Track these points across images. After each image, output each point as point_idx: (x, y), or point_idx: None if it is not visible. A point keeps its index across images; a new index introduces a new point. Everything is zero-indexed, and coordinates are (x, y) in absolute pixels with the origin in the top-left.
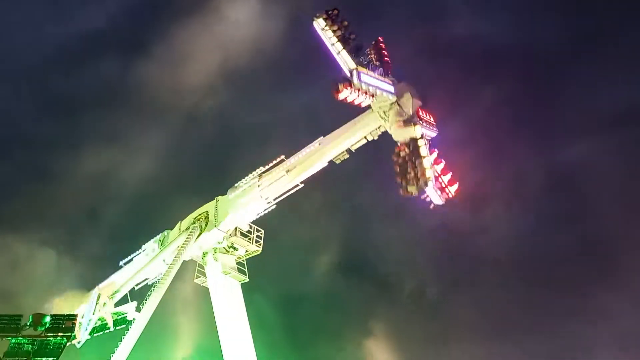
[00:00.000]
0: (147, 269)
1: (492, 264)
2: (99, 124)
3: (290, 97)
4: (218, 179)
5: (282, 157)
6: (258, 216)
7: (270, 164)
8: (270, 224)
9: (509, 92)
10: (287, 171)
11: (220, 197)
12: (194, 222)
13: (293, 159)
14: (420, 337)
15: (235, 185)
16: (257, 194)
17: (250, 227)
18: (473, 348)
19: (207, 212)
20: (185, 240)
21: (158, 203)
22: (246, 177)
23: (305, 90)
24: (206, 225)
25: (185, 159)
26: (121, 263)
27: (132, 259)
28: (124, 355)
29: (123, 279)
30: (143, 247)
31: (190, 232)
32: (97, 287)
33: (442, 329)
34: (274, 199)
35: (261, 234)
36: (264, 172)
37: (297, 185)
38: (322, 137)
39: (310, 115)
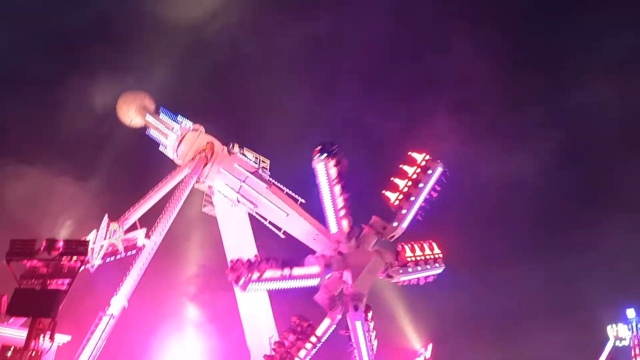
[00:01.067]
0: (156, 198)
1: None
2: (104, 56)
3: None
4: (220, 110)
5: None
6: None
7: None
8: None
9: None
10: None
11: (224, 149)
12: (200, 153)
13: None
14: None
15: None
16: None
17: (256, 157)
18: None
19: (214, 143)
20: (191, 171)
21: None
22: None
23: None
24: (212, 156)
25: (192, 86)
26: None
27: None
28: (135, 279)
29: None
30: None
31: (197, 162)
32: (106, 214)
33: None
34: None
35: (267, 164)
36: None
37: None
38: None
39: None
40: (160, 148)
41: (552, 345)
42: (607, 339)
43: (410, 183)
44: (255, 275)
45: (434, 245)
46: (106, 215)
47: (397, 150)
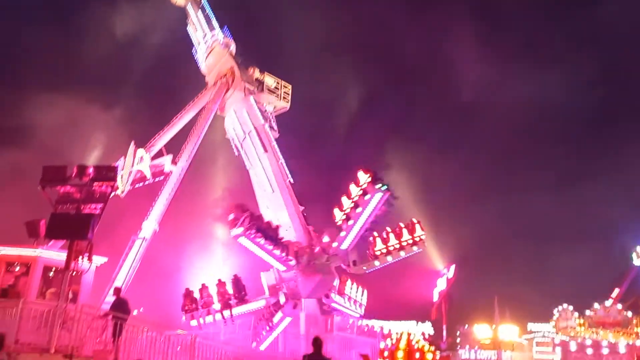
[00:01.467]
0: (181, 124)
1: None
2: None
3: None
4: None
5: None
6: None
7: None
8: None
9: None
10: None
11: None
12: (221, 78)
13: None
14: None
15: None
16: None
17: (278, 82)
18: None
19: (234, 70)
20: (213, 96)
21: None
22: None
23: None
24: (232, 83)
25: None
26: None
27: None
28: (164, 203)
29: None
30: None
31: (218, 88)
32: (133, 141)
33: None
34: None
35: (288, 89)
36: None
37: None
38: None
39: None
40: (193, 50)
41: (576, 268)
42: (632, 262)
43: (352, 204)
44: (250, 233)
45: (417, 226)
46: (132, 142)
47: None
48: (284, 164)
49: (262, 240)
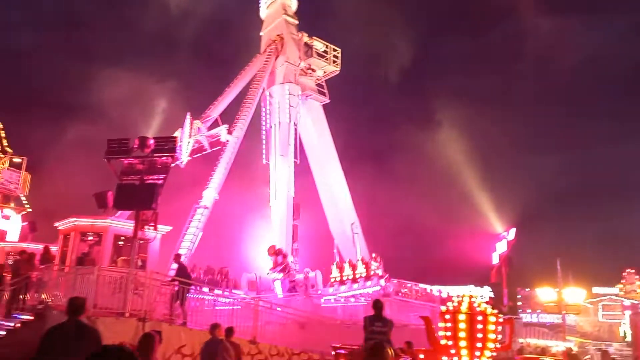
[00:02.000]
0: (234, 94)
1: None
2: None
3: None
4: None
5: None
6: None
7: None
8: None
9: None
10: None
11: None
12: (270, 45)
13: None
14: None
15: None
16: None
17: (327, 46)
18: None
19: (283, 35)
20: (263, 64)
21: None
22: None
23: None
24: (282, 47)
25: None
26: None
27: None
28: (223, 172)
29: (214, 103)
30: None
31: (268, 55)
32: (188, 112)
33: None
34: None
35: (338, 53)
36: None
37: None
38: None
39: None
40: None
41: None
42: None
43: (350, 277)
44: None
45: (373, 262)
46: (188, 114)
47: None
48: (292, 179)
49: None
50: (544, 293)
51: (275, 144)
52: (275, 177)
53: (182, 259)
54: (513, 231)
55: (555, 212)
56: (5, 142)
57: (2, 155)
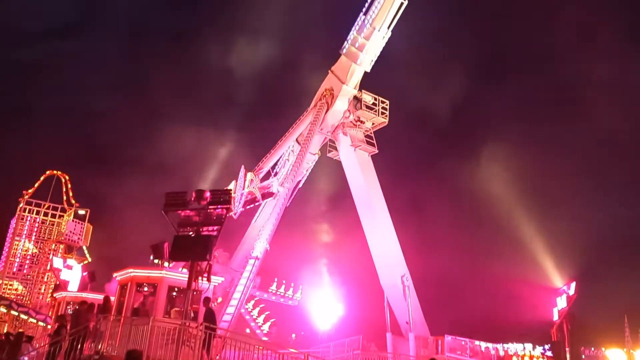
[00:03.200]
0: (286, 146)
1: None
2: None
3: None
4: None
5: None
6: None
7: None
8: None
9: None
10: None
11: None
12: (320, 100)
13: None
14: None
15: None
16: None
17: (375, 99)
18: None
19: (332, 88)
20: (314, 117)
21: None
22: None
23: None
24: (332, 101)
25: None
26: None
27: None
28: (274, 223)
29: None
30: None
31: (319, 109)
32: (243, 165)
33: None
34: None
35: (386, 105)
36: None
37: None
38: None
39: None
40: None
41: None
42: None
43: None
44: None
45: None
46: (243, 166)
47: None
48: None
49: None
50: (612, 354)
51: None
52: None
53: (211, 303)
54: (574, 285)
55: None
56: (71, 194)
57: (68, 207)
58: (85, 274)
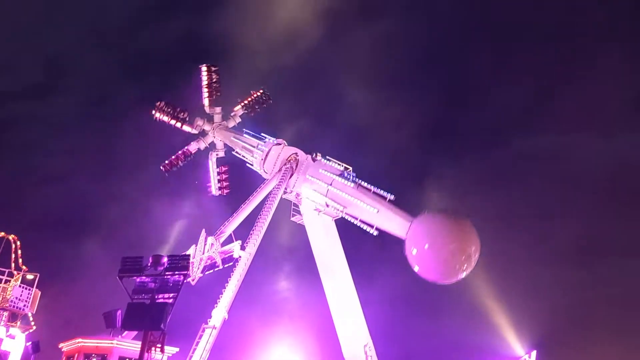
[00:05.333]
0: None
1: None
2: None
3: None
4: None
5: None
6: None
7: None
8: None
9: None
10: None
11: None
12: (285, 164)
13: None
14: None
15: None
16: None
17: (340, 165)
18: None
19: (297, 155)
20: (278, 182)
21: None
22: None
23: None
24: (297, 166)
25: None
26: None
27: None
28: (234, 290)
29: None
30: None
31: (283, 174)
32: (203, 229)
33: None
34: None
35: (350, 170)
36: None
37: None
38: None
39: None
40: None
41: None
42: None
43: None
44: None
45: None
46: (203, 230)
47: None
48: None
49: None
50: None
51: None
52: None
53: None
54: (534, 354)
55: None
56: (20, 259)
57: (16, 273)
58: (29, 344)
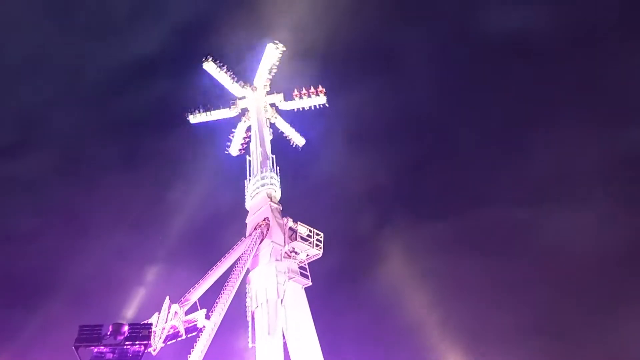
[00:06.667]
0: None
1: None
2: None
3: None
4: None
5: None
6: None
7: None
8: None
9: None
10: None
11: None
12: (256, 229)
13: None
14: None
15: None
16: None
17: (310, 231)
18: None
19: (268, 219)
20: (248, 248)
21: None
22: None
23: None
24: (267, 233)
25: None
26: None
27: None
28: None
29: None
30: None
31: (253, 239)
32: (168, 296)
33: None
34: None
35: (321, 237)
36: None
37: None
38: None
39: None
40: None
41: None
42: None
43: None
44: None
45: None
46: (167, 297)
47: None
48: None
49: None
50: None
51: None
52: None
53: None
54: None
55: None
56: None
57: None
58: None
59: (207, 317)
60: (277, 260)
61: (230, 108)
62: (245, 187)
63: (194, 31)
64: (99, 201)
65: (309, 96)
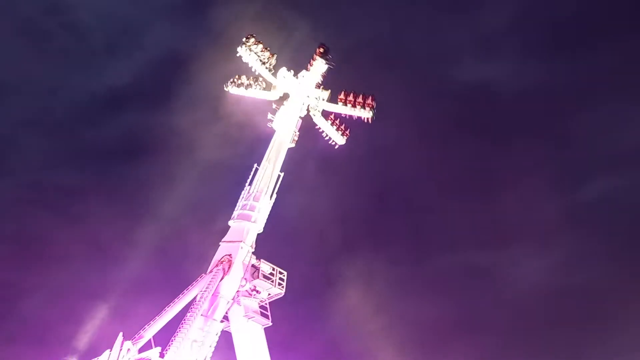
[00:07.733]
0: (173, 313)
1: None
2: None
3: None
4: None
5: None
6: None
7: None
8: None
9: None
10: None
11: (225, 239)
12: (218, 265)
13: None
14: None
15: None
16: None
17: (273, 269)
18: None
19: (230, 255)
20: (207, 285)
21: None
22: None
23: None
24: (229, 268)
25: (211, 207)
26: None
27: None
28: None
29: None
30: None
31: (214, 275)
32: (121, 332)
33: None
34: None
35: (284, 276)
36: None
37: None
38: None
39: None
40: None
41: None
42: None
43: None
44: None
45: None
46: (120, 334)
47: None
48: None
49: None
50: None
51: None
52: None
53: None
54: None
55: None
56: None
57: None
58: None
59: (162, 355)
60: (235, 302)
61: (270, 90)
62: (240, 197)
63: (168, 64)
64: (66, 230)
65: (354, 106)
